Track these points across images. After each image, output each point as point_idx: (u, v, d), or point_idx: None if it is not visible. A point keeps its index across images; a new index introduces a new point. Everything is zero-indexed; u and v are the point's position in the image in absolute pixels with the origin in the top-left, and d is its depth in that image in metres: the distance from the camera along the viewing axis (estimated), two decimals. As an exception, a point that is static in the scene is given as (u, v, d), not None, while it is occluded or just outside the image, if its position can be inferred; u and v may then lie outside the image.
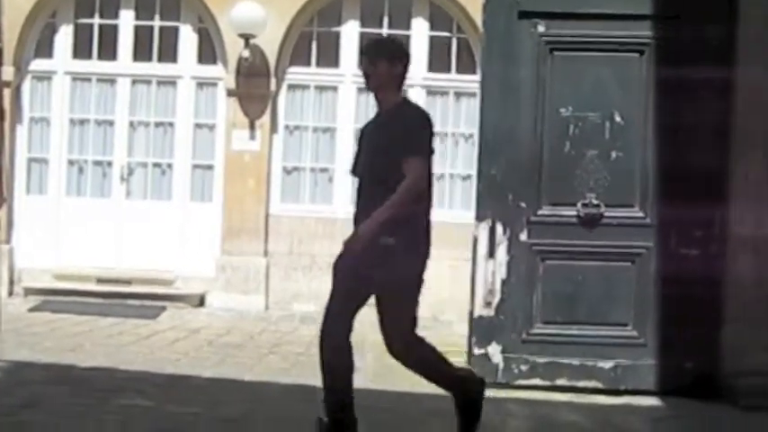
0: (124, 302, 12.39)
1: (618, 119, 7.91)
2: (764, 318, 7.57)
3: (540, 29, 7.95)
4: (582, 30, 7.90)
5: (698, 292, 7.71)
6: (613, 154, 7.91)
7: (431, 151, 6.07)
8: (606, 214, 7.87)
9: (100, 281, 12.82)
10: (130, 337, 10.23)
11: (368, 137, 6.01)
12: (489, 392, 7.67)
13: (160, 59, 13.26)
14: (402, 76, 5.99)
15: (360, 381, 8.34)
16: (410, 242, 5.95)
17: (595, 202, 7.87)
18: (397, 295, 5.93)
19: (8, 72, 12.87)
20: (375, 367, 9.08)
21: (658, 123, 7.85)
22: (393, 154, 5.74)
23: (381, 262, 5.72)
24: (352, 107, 13.23)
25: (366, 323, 12.57)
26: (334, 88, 13.26)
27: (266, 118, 13.01)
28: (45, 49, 13.28)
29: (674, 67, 7.81)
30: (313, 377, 8.26)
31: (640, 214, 7.90)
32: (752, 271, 7.67)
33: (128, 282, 12.80)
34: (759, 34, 7.73)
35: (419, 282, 6.07)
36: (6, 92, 12.95)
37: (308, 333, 11.16)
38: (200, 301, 12.79)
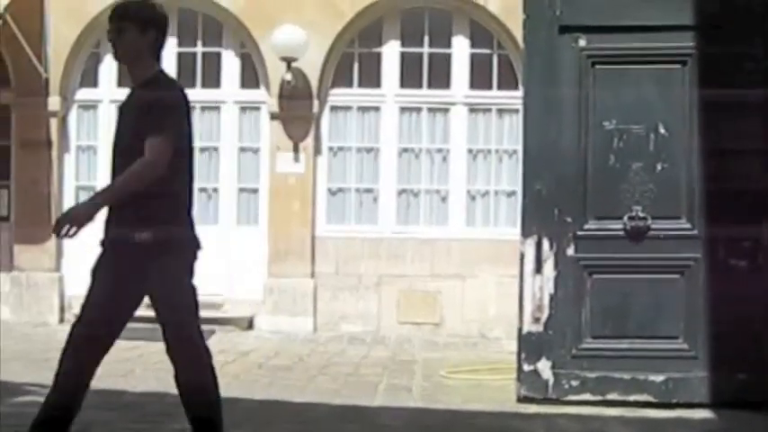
0: (173, 327, 12.43)
1: (662, 130, 7.87)
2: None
3: (582, 43, 7.93)
4: (623, 42, 7.88)
5: (748, 303, 7.64)
6: (659, 166, 7.86)
7: (183, 134, 5.04)
8: (653, 226, 7.83)
9: (149, 306, 12.88)
10: (181, 361, 10.27)
11: (122, 115, 5.19)
12: (540, 408, 7.69)
13: (204, 85, 13.36)
14: (156, 45, 5.11)
15: (409, 399, 8.37)
16: (169, 240, 5.17)
17: (642, 214, 7.83)
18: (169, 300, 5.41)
19: (55, 102, 13.04)
20: (424, 386, 9.09)
21: (703, 134, 7.81)
22: (139, 136, 4.91)
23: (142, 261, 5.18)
24: (395, 127, 13.26)
25: (416, 342, 12.64)
26: (377, 108, 13.30)
27: (310, 140, 13.08)
28: (90, 79, 13.43)
29: (718, 77, 7.76)
30: (363, 397, 8.30)
31: (687, 226, 7.85)
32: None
33: (176, 306, 12.85)
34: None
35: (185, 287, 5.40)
36: (53, 121, 13.13)
37: (356, 353, 11.18)
38: (249, 324, 12.83)
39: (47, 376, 8.72)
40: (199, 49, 13.38)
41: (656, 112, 7.89)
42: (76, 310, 13.83)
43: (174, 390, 8.22)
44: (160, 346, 11.51)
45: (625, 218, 7.84)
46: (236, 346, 11.48)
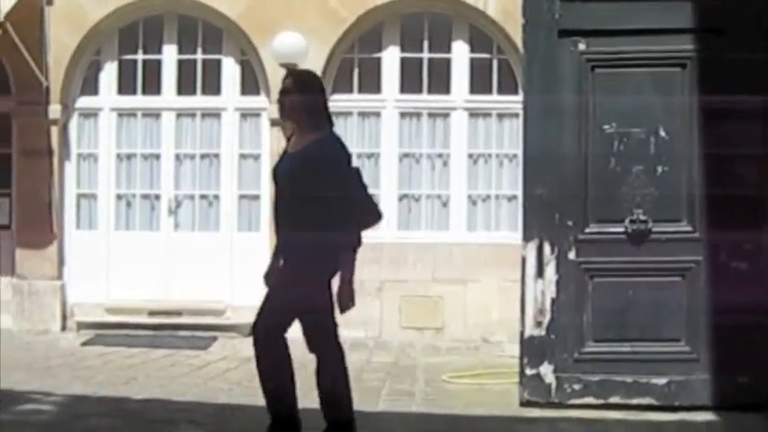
0: (175, 334, 12.46)
1: (662, 133, 7.88)
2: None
3: (581, 47, 7.94)
4: (622, 46, 7.88)
5: (749, 305, 7.64)
6: (659, 169, 7.87)
7: None
8: (654, 229, 7.83)
9: (151, 313, 12.90)
10: (183, 368, 10.28)
11: None
12: (543, 413, 7.69)
13: (204, 92, 13.37)
14: None
15: (412, 404, 8.37)
16: None
17: (643, 217, 7.83)
18: None
19: (55, 110, 13.04)
20: (427, 391, 9.09)
21: (703, 137, 7.81)
22: None
23: None
24: (395, 132, 13.25)
25: (418, 347, 12.63)
26: (377, 114, 13.30)
27: (310, 146, 13.06)
28: (90, 87, 13.42)
29: (718, 80, 7.77)
30: (366, 403, 8.29)
31: (689, 228, 7.85)
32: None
33: (178, 313, 12.87)
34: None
35: None
36: (54, 130, 13.13)
37: (358, 359, 11.16)
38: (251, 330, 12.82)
39: (50, 384, 8.77)
40: (199, 56, 13.38)
41: (656, 115, 7.89)
42: (78, 317, 13.86)
43: (175, 396, 8.24)
44: (162, 353, 11.57)
45: (626, 221, 7.85)
46: (239, 352, 11.46)
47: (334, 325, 6.15)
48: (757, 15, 7.86)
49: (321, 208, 5.78)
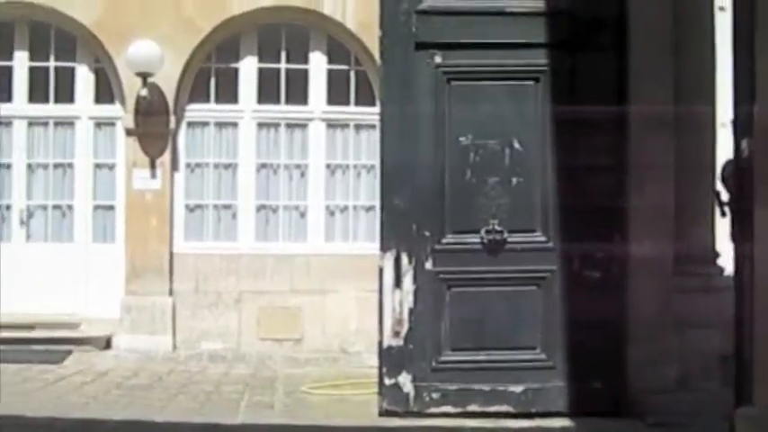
0: (28, 348, 12.17)
1: (517, 145, 8.01)
2: (667, 336, 7.73)
3: (437, 59, 8.03)
4: (478, 59, 8.00)
5: (602, 312, 7.82)
6: (514, 180, 8.00)
7: None
8: (509, 240, 7.96)
9: (2, 327, 12.58)
10: (36, 382, 10.06)
11: None
12: (402, 422, 7.75)
13: (57, 100, 13.13)
14: None
15: (272, 416, 8.35)
16: None
17: (498, 228, 7.95)
18: None
19: None
20: (287, 402, 9.07)
21: (556, 149, 7.98)
22: None
23: None
24: (252, 143, 13.23)
25: (277, 358, 12.61)
26: (234, 124, 13.25)
27: (167, 156, 12.95)
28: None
29: (569, 93, 7.94)
30: (225, 415, 8.24)
31: (543, 238, 8.00)
32: (652, 290, 7.82)
33: (31, 326, 12.58)
34: (647, 68, 7.93)
35: None
36: None
37: (216, 371, 11.10)
38: (107, 344, 12.63)
39: None
40: (51, 63, 13.14)
41: (511, 127, 8.02)
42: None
43: (29, 412, 8.04)
44: (14, 368, 11.24)
45: (482, 231, 7.95)
46: (94, 366, 11.28)
47: None
48: (606, 30, 8.07)
49: None
